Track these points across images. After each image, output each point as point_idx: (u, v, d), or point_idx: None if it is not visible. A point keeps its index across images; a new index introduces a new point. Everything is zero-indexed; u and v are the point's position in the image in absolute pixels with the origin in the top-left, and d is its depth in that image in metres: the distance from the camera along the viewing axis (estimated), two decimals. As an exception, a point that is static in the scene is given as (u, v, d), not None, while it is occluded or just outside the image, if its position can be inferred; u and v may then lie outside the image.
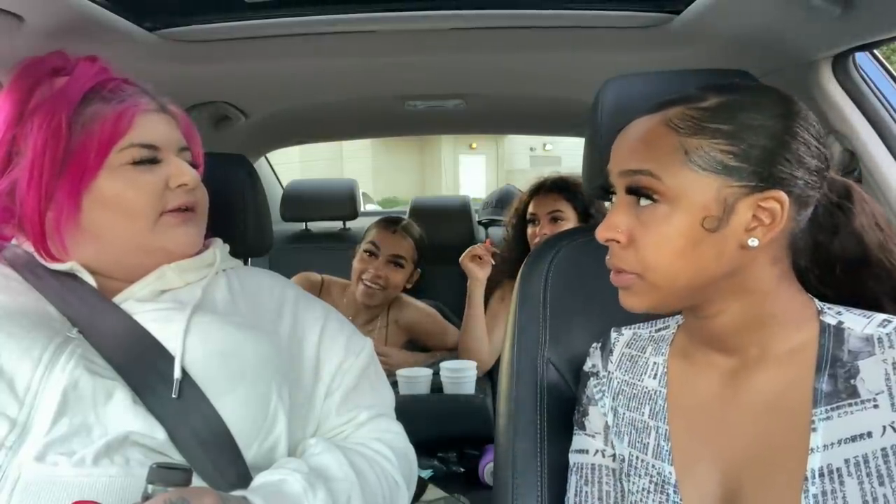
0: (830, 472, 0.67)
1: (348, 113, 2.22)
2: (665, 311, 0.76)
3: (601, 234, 0.75)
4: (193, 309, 0.85)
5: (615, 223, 0.74)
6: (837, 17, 1.04)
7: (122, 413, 0.78)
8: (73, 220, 0.85)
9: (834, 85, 1.26)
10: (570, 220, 1.94)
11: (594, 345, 0.88)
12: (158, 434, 0.78)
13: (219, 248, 0.97)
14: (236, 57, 1.52)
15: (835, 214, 0.75)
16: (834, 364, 0.70)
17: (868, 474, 0.65)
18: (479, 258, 2.00)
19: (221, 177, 1.03)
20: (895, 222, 0.80)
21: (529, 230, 2.00)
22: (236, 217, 1.17)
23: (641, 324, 0.86)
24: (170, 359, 0.81)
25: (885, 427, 0.66)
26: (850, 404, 0.68)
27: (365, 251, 2.09)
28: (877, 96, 1.27)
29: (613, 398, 0.83)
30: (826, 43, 1.20)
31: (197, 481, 0.74)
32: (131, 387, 0.80)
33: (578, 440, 0.86)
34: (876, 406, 0.67)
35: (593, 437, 0.84)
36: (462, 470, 1.74)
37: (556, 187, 1.99)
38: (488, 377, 1.97)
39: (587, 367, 0.88)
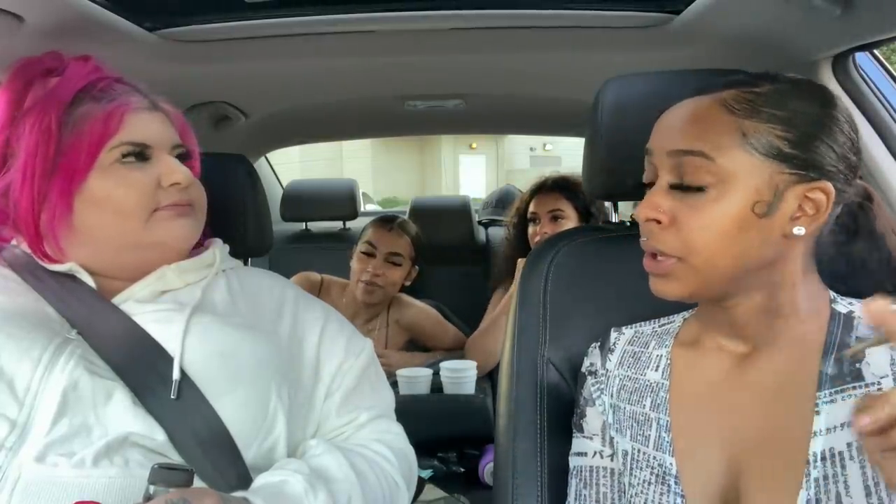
0: (832, 455, 0.67)
1: (348, 113, 2.22)
2: (698, 298, 0.75)
3: (642, 212, 0.73)
4: (193, 310, 0.85)
5: (657, 203, 0.72)
6: (837, 18, 1.04)
7: (122, 414, 0.78)
8: (66, 221, 0.84)
9: (834, 85, 1.26)
10: (570, 220, 1.96)
11: (593, 344, 0.88)
12: (158, 435, 0.78)
13: (219, 248, 0.97)
14: (236, 57, 1.52)
15: (857, 215, 0.75)
16: (841, 349, 0.70)
17: None
18: None
19: (221, 177, 1.03)
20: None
21: (530, 229, 2.01)
22: (236, 217, 1.17)
23: (644, 322, 0.86)
24: (169, 360, 0.81)
25: None
26: (854, 387, 0.68)
27: (362, 251, 2.08)
28: (877, 96, 1.27)
29: (613, 395, 0.83)
30: (826, 43, 1.20)
31: (197, 482, 0.74)
32: (131, 388, 0.80)
33: (577, 443, 0.86)
34: (880, 389, 0.66)
35: (591, 438, 0.84)
36: (462, 470, 1.74)
37: (557, 186, 2.01)
38: (488, 377, 1.97)
39: (585, 366, 0.88)
